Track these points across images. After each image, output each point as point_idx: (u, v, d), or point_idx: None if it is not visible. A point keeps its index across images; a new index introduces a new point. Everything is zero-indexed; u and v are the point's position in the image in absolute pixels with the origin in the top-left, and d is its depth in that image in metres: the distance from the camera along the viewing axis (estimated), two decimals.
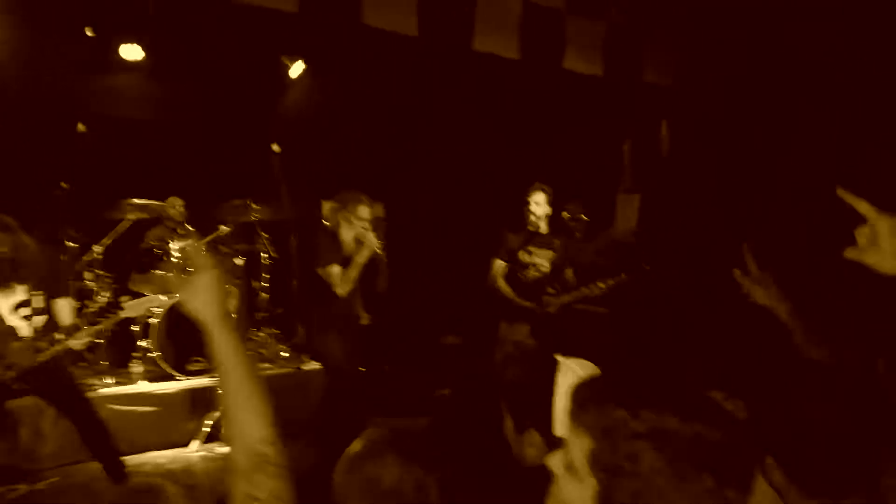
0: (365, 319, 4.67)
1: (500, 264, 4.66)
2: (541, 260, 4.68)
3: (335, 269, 4.25)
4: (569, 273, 4.79)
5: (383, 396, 5.21)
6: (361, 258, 4.25)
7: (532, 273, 4.65)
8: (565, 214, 4.89)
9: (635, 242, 5.63)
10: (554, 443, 1.53)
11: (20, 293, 3.49)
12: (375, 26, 4.67)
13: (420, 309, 6.34)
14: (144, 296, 5.01)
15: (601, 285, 4.46)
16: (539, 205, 4.62)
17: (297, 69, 6.56)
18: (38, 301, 3.55)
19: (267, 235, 5.82)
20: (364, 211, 4.33)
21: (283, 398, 5.12)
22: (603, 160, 6.43)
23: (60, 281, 3.74)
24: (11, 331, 3.46)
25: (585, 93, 5.86)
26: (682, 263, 5.47)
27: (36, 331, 3.49)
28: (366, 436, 1.53)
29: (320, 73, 6.59)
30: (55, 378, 3.54)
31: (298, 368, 5.44)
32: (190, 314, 1.35)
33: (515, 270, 4.65)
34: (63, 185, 5.01)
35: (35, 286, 3.51)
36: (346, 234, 4.36)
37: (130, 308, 3.60)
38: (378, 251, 4.27)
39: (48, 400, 3.69)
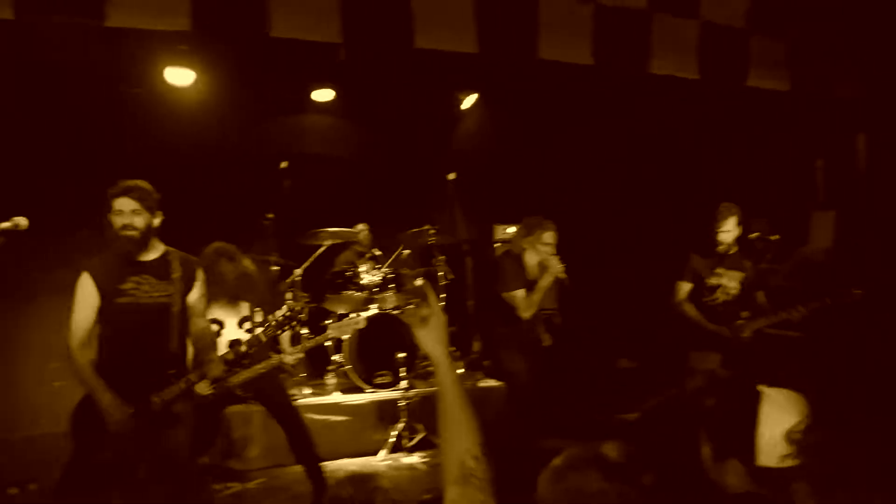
0: (547, 341, 4.75)
1: (685, 287, 4.53)
2: (730, 282, 4.49)
3: (520, 293, 4.40)
4: (760, 296, 4.54)
5: (564, 417, 5.22)
6: (545, 282, 4.37)
7: (720, 296, 4.48)
8: (754, 234, 4.66)
9: (830, 262, 5.21)
10: (756, 473, 1.54)
11: (244, 309, 3.99)
12: (551, 59, 4.79)
13: (595, 332, 6.30)
14: (337, 314, 5.53)
15: (801, 309, 4.18)
16: (729, 227, 4.45)
17: (468, 101, 6.87)
18: (259, 316, 4.04)
19: (443, 257, 6.11)
20: (549, 236, 4.45)
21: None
22: (795, 177, 6.04)
23: (276, 298, 4.23)
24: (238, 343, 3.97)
25: (772, 109, 5.57)
26: (886, 284, 4.97)
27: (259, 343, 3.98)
28: (567, 452, 1.63)
29: (491, 103, 6.86)
30: (270, 387, 3.99)
31: (474, 385, 5.62)
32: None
33: (702, 294, 4.50)
34: (269, 215, 5.63)
35: (256, 304, 4.01)
36: (531, 259, 4.49)
37: (335, 329, 4.02)
38: (561, 276, 4.35)
39: (264, 405, 4.13)
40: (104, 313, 3.09)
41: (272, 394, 4.02)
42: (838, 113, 5.58)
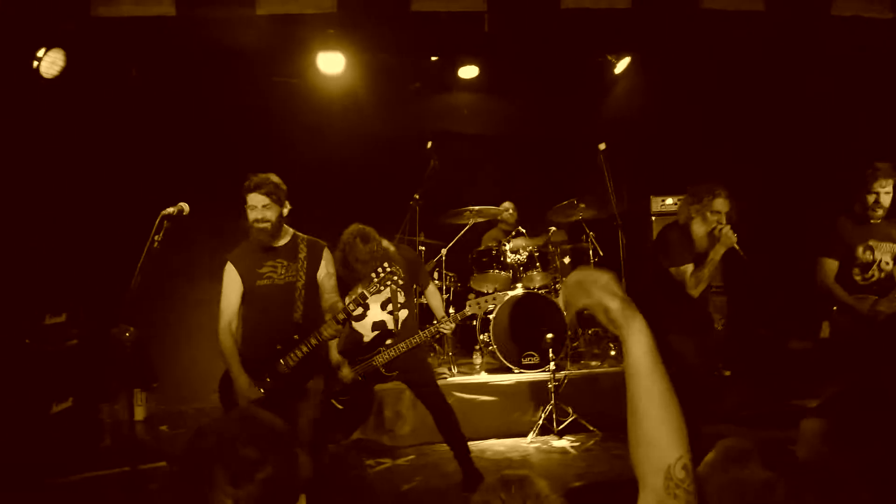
0: (718, 322, 4.32)
1: (832, 264, 3.91)
2: (884, 256, 3.83)
3: (688, 268, 4.01)
4: None
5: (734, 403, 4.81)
6: (717, 255, 3.94)
7: (875, 273, 3.84)
8: None
9: None
10: None
11: (386, 292, 4.01)
12: (716, 8, 4.33)
13: (765, 309, 5.71)
14: (484, 293, 5.45)
15: None
16: (886, 192, 3.79)
17: (622, 65, 6.45)
18: (400, 296, 4.05)
19: (593, 234, 5.82)
20: (720, 203, 3.99)
21: (612, 396, 5.10)
22: None
23: (420, 274, 4.22)
24: (383, 325, 4.02)
25: None
26: None
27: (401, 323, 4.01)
28: (722, 444, 1.41)
29: (646, 65, 6.39)
30: (414, 366, 3.99)
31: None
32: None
33: (851, 270, 3.89)
34: (416, 196, 5.66)
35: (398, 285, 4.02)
36: (699, 229, 4.07)
37: (474, 305, 3.93)
38: (735, 247, 3.91)
39: (409, 384, 4.15)
40: (247, 296, 3.40)
41: (416, 373, 4.01)
42: None
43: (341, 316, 3.20)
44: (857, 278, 3.87)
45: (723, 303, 5.53)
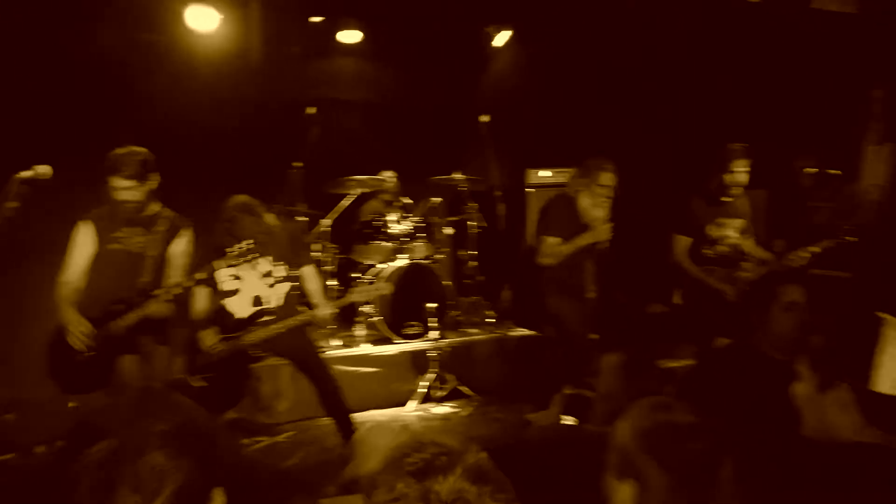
0: (591, 293, 4.56)
1: (683, 240, 4.25)
2: (730, 232, 4.21)
3: (551, 240, 4.21)
4: (749, 245, 4.27)
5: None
6: (582, 241, 4.17)
7: (721, 248, 4.22)
8: (811, 169, 4.37)
9: (881, 200, 4.86)
10: (868, 401, 1.50)
11: (265, 264, 3.92)
12: None
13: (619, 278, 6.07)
14: (366, 264, 5.45)
15: (803, 254, 3.91)
16: (741, 172, 4.13)
17: (501, 38, 6.53)
18: (280, 270, 3.97)
19: (475, 204, 5.93)
20: (607, 178, 4.18)
21: (490, 362, 5.30)
22: (849, 108, 5.60)
23: (301, 252, 4.15)
24: (259, 301, 3.93)
25: (832, 34, 5.12)
26: None
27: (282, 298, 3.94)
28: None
29: (526, 39, 6.51)
30: (298, 342, 3.93)
31: (504, 334, 5.52)
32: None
33: (701, 245, 4.23)
34: (295, 164, 5.51)
35: (277, 258, 3.93)
36: (586, 202, 4.24)
37: (358, 294, 3.92)
38: (603, 244, 4.14)
39: (291, 361, 4.11)
40: (96, 260, 3.44)
41: (300, 349, 3.97)
42: None
43: (176, 290, 3.28)
44: (707, 252, 4.22)
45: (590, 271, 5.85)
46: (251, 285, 3.93)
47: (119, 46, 5.33)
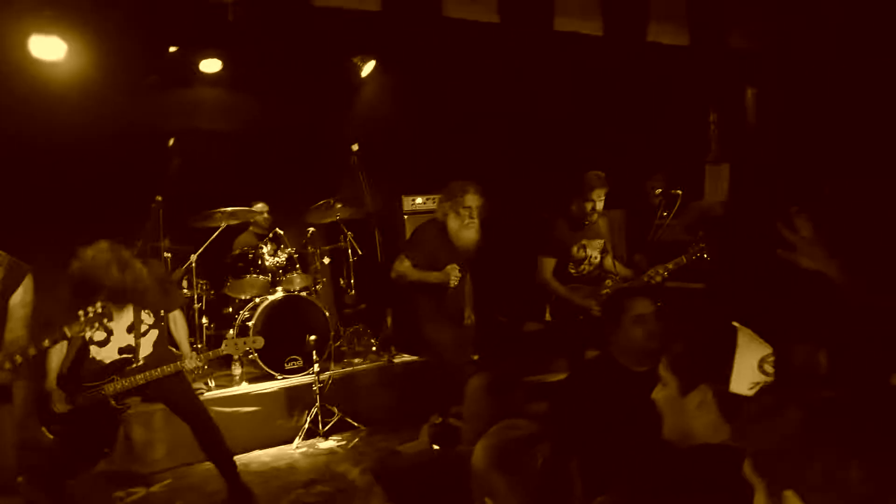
0: (469, 319, 4.65)
1: (549, 262, 4.50)
2: (593, 252, 4.52)
3: (404, 263, 4.29)
4: (638, 257, 4.62)
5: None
6: (429, 278, 4.27)
7: (586, 267, 4.51)
8: (657, 190, 4.74)
9: (724, 215, 5.38)
10: (726, 402, 1.59)
11: (130, 314, 3.67)
12: (457, 17, 4.63)
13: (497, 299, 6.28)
14: (240, 299, 5.25)
15: (661, 270, 4.27)
16: (600, 200, 4.44)
17: (368, 68, 6.60)
18: (149, 318, 3.74)
19: (350, 233, 5.90)
20: (471, 199, 4.28)
21: (373, 391, 5.25)
22: (689, 131, 6.17)
23: (170, 296, 3.91)
24: (130, 349, 3.66)
25: (669, 64, 5.63)
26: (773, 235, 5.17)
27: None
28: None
29: (392, 69, 6.62)
30: (170, 384, 3.69)
31: (390, 361, 5.50)
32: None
33: (567, 265, 4.50)
34: (157, 198, 5.23)
35: (145, 306, 3.70)
36: (454, 224, 4.32)
37: (228, 348, 3.78)
38: (450, 283, 4.26)
39: (165, 404, 3.86)
40: None
41: (173, 393, 3.74)
42: (731, 67, 5.71)
43: (18, 359, 2.90)
44: (572, 271, 4.48)
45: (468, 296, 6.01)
46: (119, 335, 3.67)
47: None
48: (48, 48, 5.14)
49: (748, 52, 5.50)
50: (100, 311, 3.05)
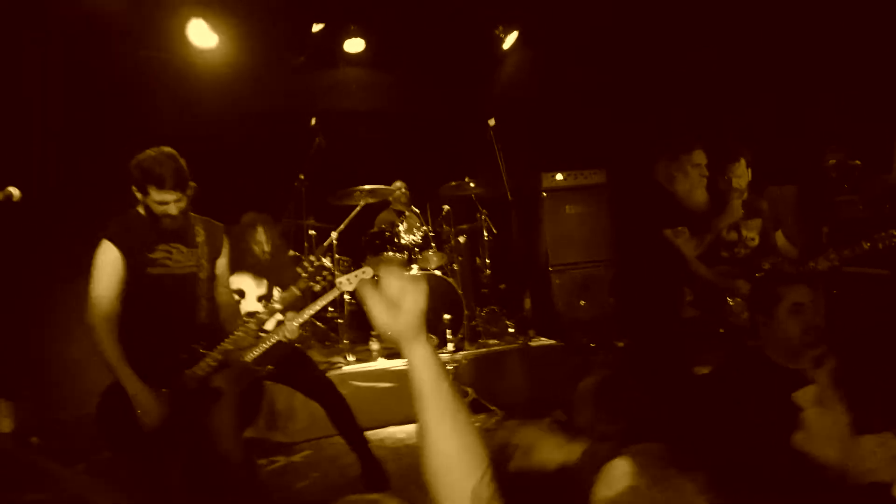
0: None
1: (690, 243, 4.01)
2: (751, 233, 4.01)
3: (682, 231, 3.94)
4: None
5: None
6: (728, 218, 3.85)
7: (741, 250, 4.02)
8: (832, 161, 4.18)
9: None
10: None
11: (263, 287, 3.75)
12: None
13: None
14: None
15: (832, 256, 3.68)
16: (741, 175, 3.93)
17: (510, 40, 6.39)
18: (277, 295, 3.79)
19: (486, 211, 5.76)
20: (700, 155, 3.92)
21: (511, 374, 5.10)
22: (880, 93, 5.39)
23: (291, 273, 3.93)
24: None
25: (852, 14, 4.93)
26: None
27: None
28: None
29: (534, 41, 6.37)
30: (288, 361, 3.67)
31: (527, 344, 5.31)
32: (379, 330, 1.16)
33: (719, 249, 4.03)
34: (300, 177, 5.37)
35: (275, 282, 3.75)
36: (682, 186, 3.98)
37: (345, 283, 3.63)
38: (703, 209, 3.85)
39: (289, 383, 3.88)
40: (131, 285, 2.79)
41: (294, 366, 3.75)
42: None
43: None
44: (724, 254, 4.02)
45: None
46: (249, 301, 3.75)
47: (125, 64, 5.26)
48: (203, 35, 5.41)
49: None
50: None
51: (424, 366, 1.12)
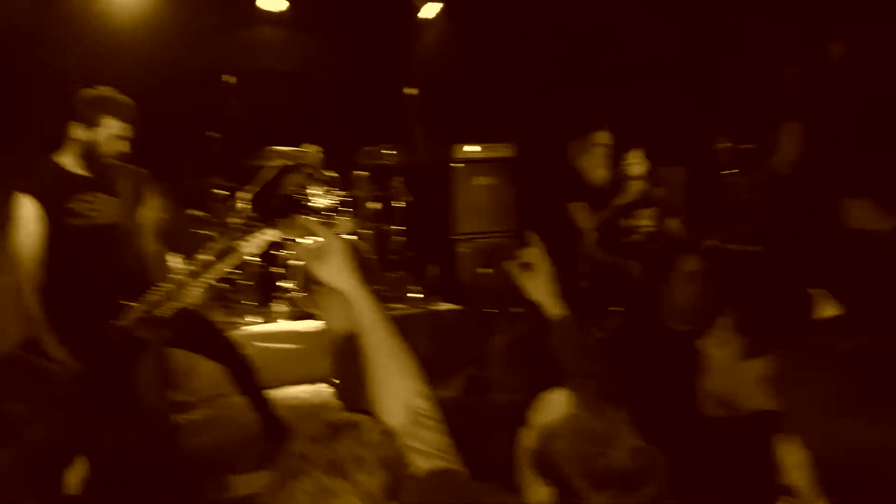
0: None
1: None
2: (646, 220, 4.29)
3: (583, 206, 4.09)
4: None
5: None
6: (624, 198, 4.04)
7: (637, 236, 4.30)
8: (725, 144, 4.47)
9: (793, 175, 5.00)
10: None
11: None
12: None
13: None
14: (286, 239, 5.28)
15: (744, 226, 4.01)
16: (637, 164, 4.18)
17: (429, 9, 6.42)
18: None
19: (402, 178, 5.85)
20: (604, 136, 4.06)
21: (417, 337, 5.24)
22: (766, 87, 5.73)
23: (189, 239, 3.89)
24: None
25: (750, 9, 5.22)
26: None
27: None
28: None
29: (456, 11, 6.43)
30: (192, 327, 3.63)
31: (432, 309, 5.48)
32: (322, 281, 1.43)
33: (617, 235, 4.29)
34: (212, 134, 5.29)
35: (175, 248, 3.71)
36: (586, 163, 4.11)
37: (248, 245, 3.64)
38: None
39: (190, 348, 3.83)
40: (53, 239, 2.71)
41: (193, 333, 3.71)
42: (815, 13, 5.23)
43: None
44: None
45: None
46: None
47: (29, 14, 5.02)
48: None
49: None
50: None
51: (367, 310, 1.41)
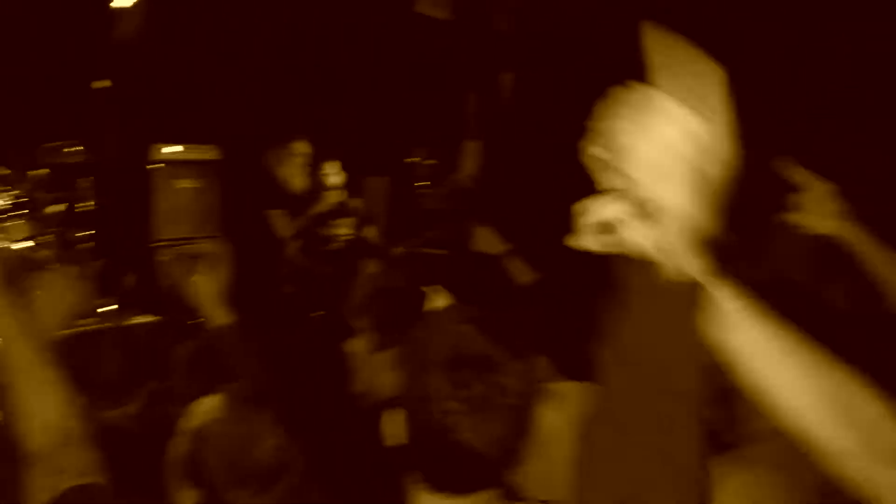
0: None
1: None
2: (344, 230, 4.63)
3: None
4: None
5: None
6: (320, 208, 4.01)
7: (335, 244, 4.61)
8: (415, 160, 4.88)
9: (472, 189, 5.69)
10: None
11: None
12: None
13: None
14: None
15: (431, 234, 4.49)
16: (333, 174, 4.51)
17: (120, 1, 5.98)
18: None
19: (90, 179, 5.39)
20: (301, 146, 4.05)
21: (101, 354, 4.84)
22: (455, 108, 6.41)
23: None
24: None
25: (438, 39, 5.79)
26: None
27: None
28: None
29: (157, 4, 6.07)
30: None
31: (121, 323, 5.13)
32: None
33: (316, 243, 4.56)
34: None
35: None
36: (284, 172, 4.05)
37: None
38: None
39: None
40: None
41: None
42: (493, 48, 6.01)
43: None
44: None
45: None
46: None
47: None
48: None
49: (508, 34, 5.81)
50: None
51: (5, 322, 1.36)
